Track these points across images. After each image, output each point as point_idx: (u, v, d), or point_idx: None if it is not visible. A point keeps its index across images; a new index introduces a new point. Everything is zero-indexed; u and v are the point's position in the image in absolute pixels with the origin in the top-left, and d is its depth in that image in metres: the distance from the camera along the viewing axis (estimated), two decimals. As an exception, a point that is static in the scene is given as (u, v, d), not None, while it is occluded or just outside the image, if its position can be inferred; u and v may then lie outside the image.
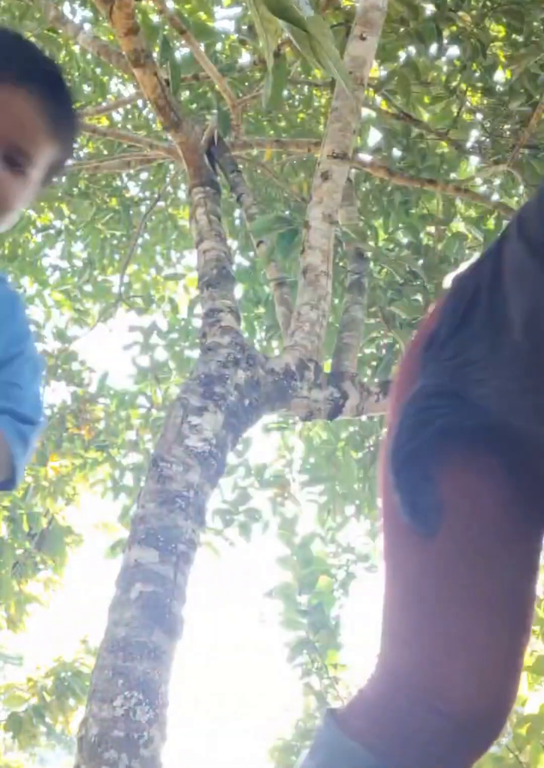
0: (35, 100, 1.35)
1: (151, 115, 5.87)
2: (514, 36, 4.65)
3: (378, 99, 5.29)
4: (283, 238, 3.63)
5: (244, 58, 5.42)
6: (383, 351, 5.48)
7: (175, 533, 2.18)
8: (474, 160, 5.59)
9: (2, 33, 1.51)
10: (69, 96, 1.46)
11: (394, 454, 1.15)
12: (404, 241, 5.34)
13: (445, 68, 5.10)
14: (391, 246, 5.37)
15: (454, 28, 4.53)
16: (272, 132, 5.78)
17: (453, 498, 1.13)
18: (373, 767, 1.11)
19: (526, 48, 4.41)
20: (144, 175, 6.50)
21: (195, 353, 6.49)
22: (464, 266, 4.95)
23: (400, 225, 5.29)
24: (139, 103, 5.91)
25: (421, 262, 4.79)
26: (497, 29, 4.87)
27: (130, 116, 6.17)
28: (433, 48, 4.49)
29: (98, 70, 6.02)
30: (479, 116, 5.24)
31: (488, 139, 5.08)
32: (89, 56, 5.74)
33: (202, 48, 4.40)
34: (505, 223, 5.21)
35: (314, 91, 5.85)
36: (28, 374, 1.46)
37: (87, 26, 5.26)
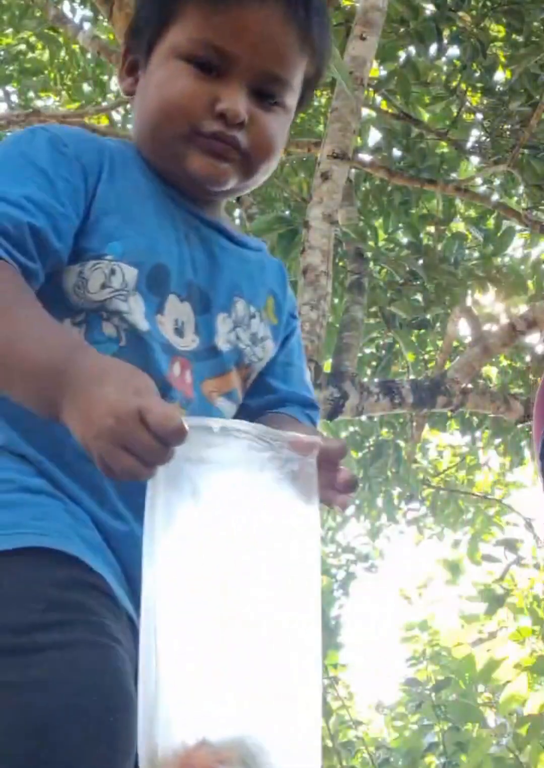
0: (280, 11, 1.09)
1: (151, 115, 5.86)
2: (514, 36, 4.65)
3: (378, 99, 5.28)
4: (283, 238, 3.64)
5: (245, 57, 5.41)
6: (383, 351, 5.48)
7: (175, 533, 2.17)
8: (474, 160, 5.59)
9: None
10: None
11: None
12: (404, 241, 5.34)
13: (445, 68, 5.09)
14: (391, 246, 5.37)
15: (454, 28, 4.53)
16: (271, 132, 5.77)
17: None
18: None
19: (526, 48, 4.42)
20: (144, 175, 6.50)
21: (195, 353, 6.49)
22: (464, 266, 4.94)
23: (400, 225, 5.29)
24: (139, 102, 5.91)
25: (421, 262, 4.78)
26: (497, 29, 4.87)
27: (130, 116, 6.17)
28: (433, 48, 4.50)
29: (98, 70, 6.02)
30: (479, 116, 5.24)
31: (488, 139, 5.08)
32: (89, 55, 5.74)
33: (202, 48, 4.40)
34: (505, 223, 5.23)
35: (314, 91, 5.85)
36: (299, 351, 1.28)
37: (87, 25, 5.26)
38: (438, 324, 5.54)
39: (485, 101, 5.13)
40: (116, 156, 1.13)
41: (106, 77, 6.16)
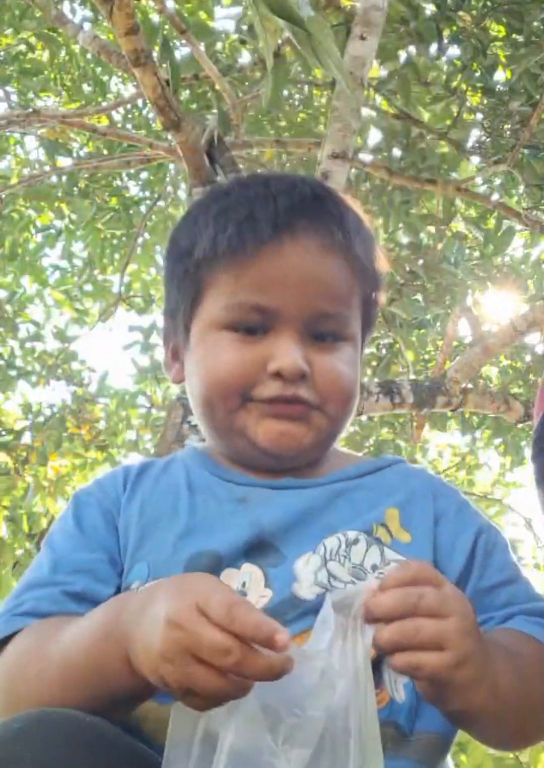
0: (314, 244, 0.98)
1: (151, 115, 5.87)
2: (514, 36, 4.65)
3: (378, 99, 5.28)
4: (283, 238, 3.63)
5: (244, 57, 5.42)
6: (384, 351, 5.48)
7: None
8: (474, 160, 5.59)
9: (227, 188, 1.07)
10: (343, 208, 1.04)
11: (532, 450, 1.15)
12: (404, 241, 5.34)
13: (445, 68, 5.09)
14: (391, 246, 5.37)
15: (454, 28, 4.53)
16: (272, 132, 5.78)
17: None
18: None
19: (526, 48, 4.41)
20: (144, 175, 6.50)
21: (195, 353, 6.48)
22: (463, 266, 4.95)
23: (400, 225, 5.29)
24: (139, 102, 5.91)
25: (421, 262, 4.78)
26: (497, 29, 4.87)
27: (130, 116, 6.17)
28: (433, 48, 4.49)
29: (98, 70, 6.02)
30: (479, 116, 5.23)
31: (488, 139, 5.08)
32: (89, 56, 5.74)
33: (202, 48, 4.40)
34: (505, 223, 5.23)
35: (314, 91, 5.85)
36: (500, 564, 0.99)
37: (87, 26, 5.26)
38: (438, 324, 5.54)
39: (485, 101, 5.13)
40: (147, 469, 1.06)
41: (106, 77, 6.16)
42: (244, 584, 0.92)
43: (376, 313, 1.11)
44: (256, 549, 0.94)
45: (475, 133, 5.30)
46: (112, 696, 0.82)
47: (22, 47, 5.67)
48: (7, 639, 0.93)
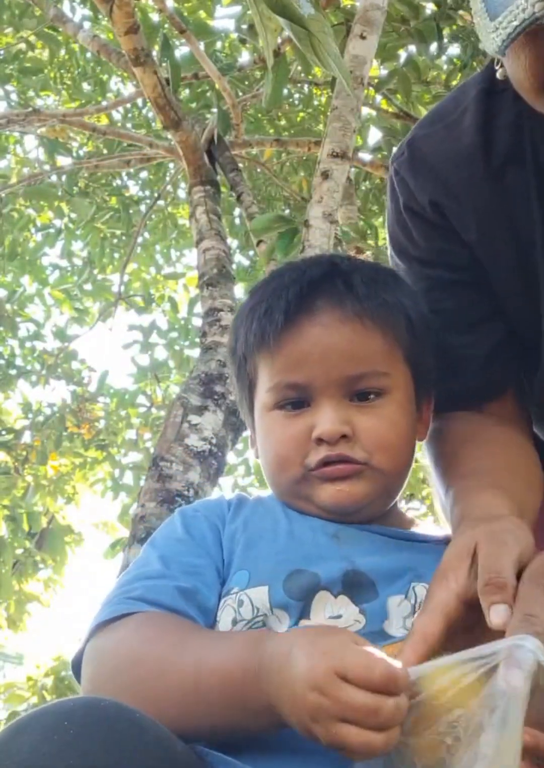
0: (329, 316, 1.10)
1: (151, 114, 5.87)
2: (514, 35, 4.64)
3: (378, 98, 5.28)
4: (283, 237, 3.63)
5: (244, 57, 5.42)
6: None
7: (175, 532, 2.17)
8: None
9: (255, 288, 1.23)
10: (354, 278, 1.13)
11: None
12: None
13: (445, 67, 5.09)
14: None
15: (454, 27, 4.53)
16: (271, 131, 5.78)
17: None
18: None
19: (526, 47, 4.41)
20: (144, 174, 6.51)
21: (195, 352, 6.49)
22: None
23: (400, 224, 5.29)
24: (139, 101, 5.91)
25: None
26: (497, 28, 4.86)
27: (130, 115, 6.17)
28: (433, 47, 4.49)
29: (98, 69, 6.02)
30: (479, 115, 5.23)
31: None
32: (89, 55, 5.74)
33: (202, 47, 4.40)
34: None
35: (314, 90, 5.85)
36: None
37: (87, 25, 5.26)
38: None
39: (485, 100, 5.12)
40: (244, 499, 1.19)
41: (106, 76, 6.16)
42: (340, 615, 1.00)
43: (427, 358, 1.18)
44: (350, 578, 1.03)
45: (475, 133, 5.30)
46: (243, 724, 0.89)
47: (22, 46, 5.67)
48: (114, 620, 1.01)
